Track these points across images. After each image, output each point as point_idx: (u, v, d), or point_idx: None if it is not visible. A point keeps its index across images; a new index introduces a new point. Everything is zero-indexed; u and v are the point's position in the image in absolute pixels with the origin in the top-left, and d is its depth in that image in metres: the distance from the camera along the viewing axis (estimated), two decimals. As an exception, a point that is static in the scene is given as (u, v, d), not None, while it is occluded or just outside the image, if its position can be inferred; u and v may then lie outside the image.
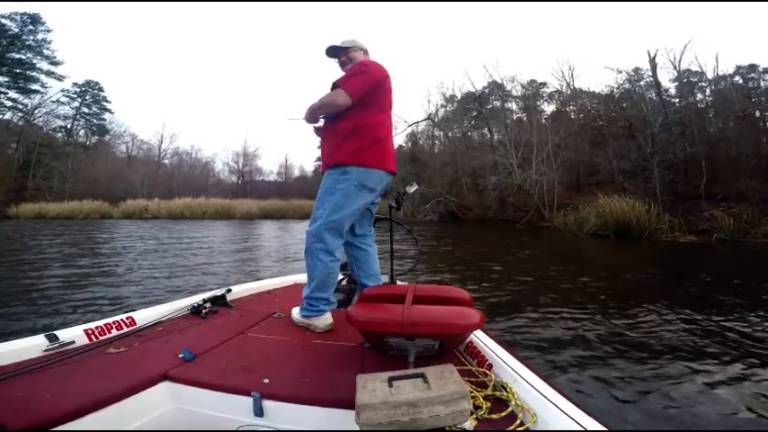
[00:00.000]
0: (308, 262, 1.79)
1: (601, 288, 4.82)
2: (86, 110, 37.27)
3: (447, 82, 41.35)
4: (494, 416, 0.98)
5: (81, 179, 31.67)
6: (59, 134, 35.70)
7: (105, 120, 38.74)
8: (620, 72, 22.48)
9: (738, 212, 11.84)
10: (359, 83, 1.73)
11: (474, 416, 0.97)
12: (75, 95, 36.28)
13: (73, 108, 36.19)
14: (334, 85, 1.76)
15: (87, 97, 37.09)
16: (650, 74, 20.47)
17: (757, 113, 18.46)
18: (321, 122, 1.91)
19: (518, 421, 0.95)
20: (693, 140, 17.21)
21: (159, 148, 40.92)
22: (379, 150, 1.77)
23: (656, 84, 19.35)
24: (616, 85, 23.20)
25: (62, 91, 34.97)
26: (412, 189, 2.20)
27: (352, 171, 1.72)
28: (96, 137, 38.85)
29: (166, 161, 41.66)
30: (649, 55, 18.89)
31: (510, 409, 1.00)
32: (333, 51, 1.98)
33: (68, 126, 36.17)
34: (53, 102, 34.09)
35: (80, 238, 10.90)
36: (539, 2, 50.51)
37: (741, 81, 20.58)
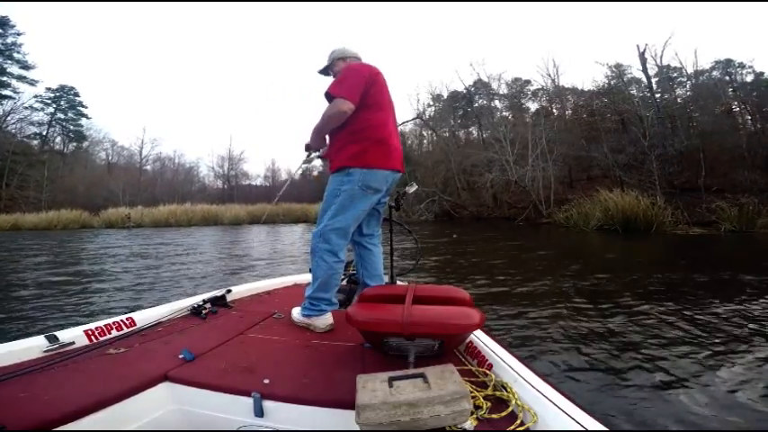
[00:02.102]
0: (313, 262, 1.84)
1: (630, 286, 4.65)
2: (62, 116, 36.76)
3: (435, 81, 42.21)
4: (494, 416, 1.00)
5: (58, 188, 31.12)
6: (35, 141, 35.19)
7: (82, 126, 38.30)
8: (611, 67, 23.06)
9: (744, 204, 12.01)
10: (351, 83, 1.77)
11: (474, 416, 0.99)
12: (49, 101, 35.81)
13: (47, 114, 35.71)
14: (328, 95, 1.79)
15: (62, 102, 36.61)
16: (632, 69, 21.40)
17: (735, 107, 19.29)
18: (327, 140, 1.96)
19: (518, 421, 0.97)
20: (688, 134, 17.58)
21: (140, 154, 40.55)
22: (382, 150, 1.81)
23: (647, 78, 19.73)
24: (606, 81, 23.80)
25: (35, 96, 34.57)
26: (412, 189, 2.24)
27: (355, 173, 1.77)
28: (74, 144, 38.33)
29: (148, 167, 41.31)
30: (639, 49, 19.27)
31: (510, 409, 1.03)
32: (324, 72, 2.09)
33: (43, 133, 35.67)
34: (26, 108, 33.63)
35: (63, 247, 10.72)
36: (522, 1, 51.87)
37: (718, 75, 21.44)
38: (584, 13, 55.82)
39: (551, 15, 58.48)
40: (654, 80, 21.49)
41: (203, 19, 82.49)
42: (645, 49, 19.09)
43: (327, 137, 1.95)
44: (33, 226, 22.14)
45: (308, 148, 2.02)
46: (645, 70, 19.52)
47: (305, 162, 2.11)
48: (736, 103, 19.51)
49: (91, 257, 8.45)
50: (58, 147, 37.23)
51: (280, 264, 7.22)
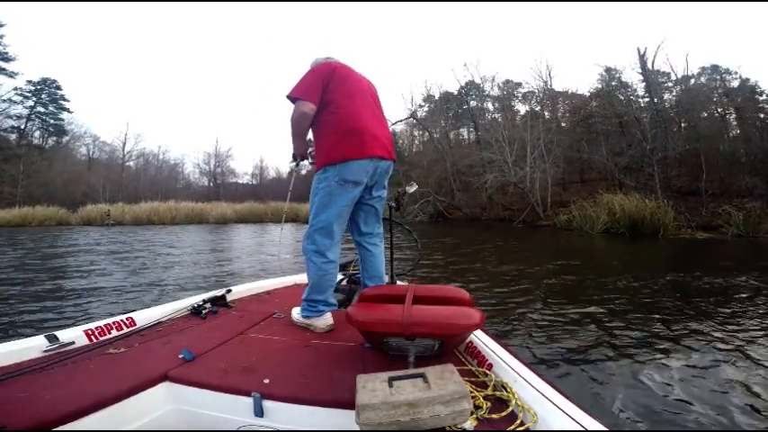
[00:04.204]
0: (305, 264, 1.87)
1: (654, 291, 4.62)
2: (42, 109, 36.18)
3: (429, 81, 42.82)
4: (494, 416, 1.02)
5: (35, 183, 30.65)
6: (12, 135, 34.62)
7: (63, 120, 37.73)
8: (607, 70, 23.62)
9: (751, 208, 12.21)
10: (307, 84, 1.83)
11: (474, 416, 1.00)
12: (29, 94, 35.26)
13: (27, 107, 35.15)
14: (289, 98, 1.84)
15: (43, 96, 36.05)
16: (623, 73, 22.40)
17: (729, 112, 20.06)
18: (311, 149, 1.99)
19: (518, 421, 0.99)
20: (687, 137, 17.96)
21: (123, 150, 40.17)
22: (355, 140, 1.80)
23: (647, 81, 20.06)
24: (601, 84, 24.39)
25: (15, 89, 34.03)
26: (412, 189, 2.27)
27: (330, 169, 1.79)
28: (53, 138, 37.79)
29: (131, 163, 40.93)
30: (639, 52, 19.56)
31: (510, 409, 1.04)
32: None
33: (22, 127, 35.12)
34: (4, 101, 33.07)
35: (32, 246, 10.56)
36: (515, 1, 52.71)
37: (704, 81, 22.51)
38: (577, 16, 57.27)
39: (544, 20, 59.82)
40: (642, 84, 22.20)
41: (195, 15, 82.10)
42: (645, 52, 19.39)
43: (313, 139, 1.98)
44: (6, 222, 21.70)
45: (295, 156, 2.05)
46: (644, 73, 19.83)
47: (294, 168, 2.14)
48: (731, 108, 20.18)
49: (59, 256, 8.31)
50: (36, 141, 36.64)
51: (270, 263, 7.20)
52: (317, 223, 1.82)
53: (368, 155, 1.80)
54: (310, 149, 2.01)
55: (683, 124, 19.95)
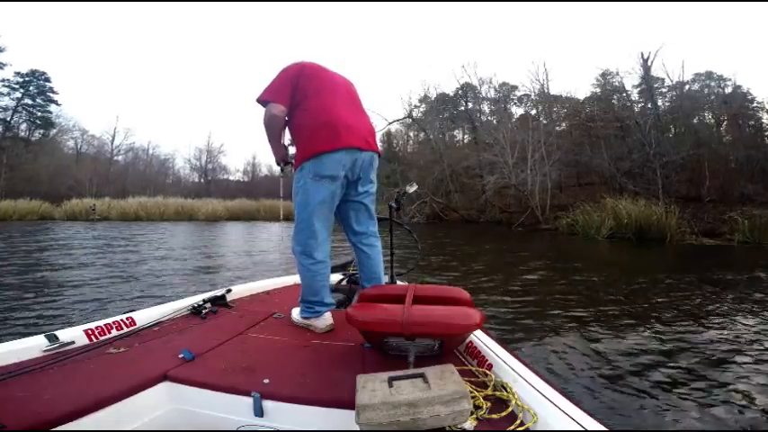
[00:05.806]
0: (297, 266, 1.88)
1: (676, 298, 4.64)
2: (30, 101, 35.81)
3: (426, 82, 43.14)
4: (494, 416, 1.03)
5: (19, 176, 30.22)
6: (-2, 127, 34.35)
7: (51, 113, 37.23)
8: (605, 74, 24.13)
9: (755, 216, 12.21)
10: (276, 85, 1.83)
11: (474, 416, 1.02)
12: (17, 86, 34.94)
13: (14, 99, 34.78)
14: (259, 102, 1.85)
15: (31, 88, 35.70)
16: (618, 78, 22.81)
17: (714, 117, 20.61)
18: (292, 150, 1.98)
19: (518, 421, 1.01)
20: (692, 142, 18.18)
21: (112, 144, 39.84)
22: (327, 133, 1.76)
23: (649, 86, 20.27)
24: (598, 88, 24.85)
25: (2, 81, 33.74)
26: (412, 189, 2.29)
27: (305, 166, 1.78)
28: (40, 131, 37.39)
29: (120, 158, 40.57)
30: (642, 56, 19.74)
31: (510, 409, 1.06)
32: None
33: (8, 119, 34.78)
34: (-11, 92, 32.79)
35: (17, 241, 10.46)
36: (513, 1, 53.62)
37: (697, 87, 23.26)
38: (572, 22, 58.09)
39: (540, 24, 60.45)
40: (637, 90, 22.67)
41: (191, 10, 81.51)
42: (648, 56, 19.56)
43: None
44: (-15, 216, 21.31)
45: (278, 161, 2.05)
46: (647, 78, 20.04)
47: (282, 173, 2.15)
48: (724, 115, 20.64)
49: (42, 251, 8.24)
50: (22, 134, 36.22)
51: (266, 262, 7.19)
52: (300, 223, 1.82)
53: (341, 146, 1.75)
54: (292, 152, 2.00)
55: (674, 130, 20.30)
